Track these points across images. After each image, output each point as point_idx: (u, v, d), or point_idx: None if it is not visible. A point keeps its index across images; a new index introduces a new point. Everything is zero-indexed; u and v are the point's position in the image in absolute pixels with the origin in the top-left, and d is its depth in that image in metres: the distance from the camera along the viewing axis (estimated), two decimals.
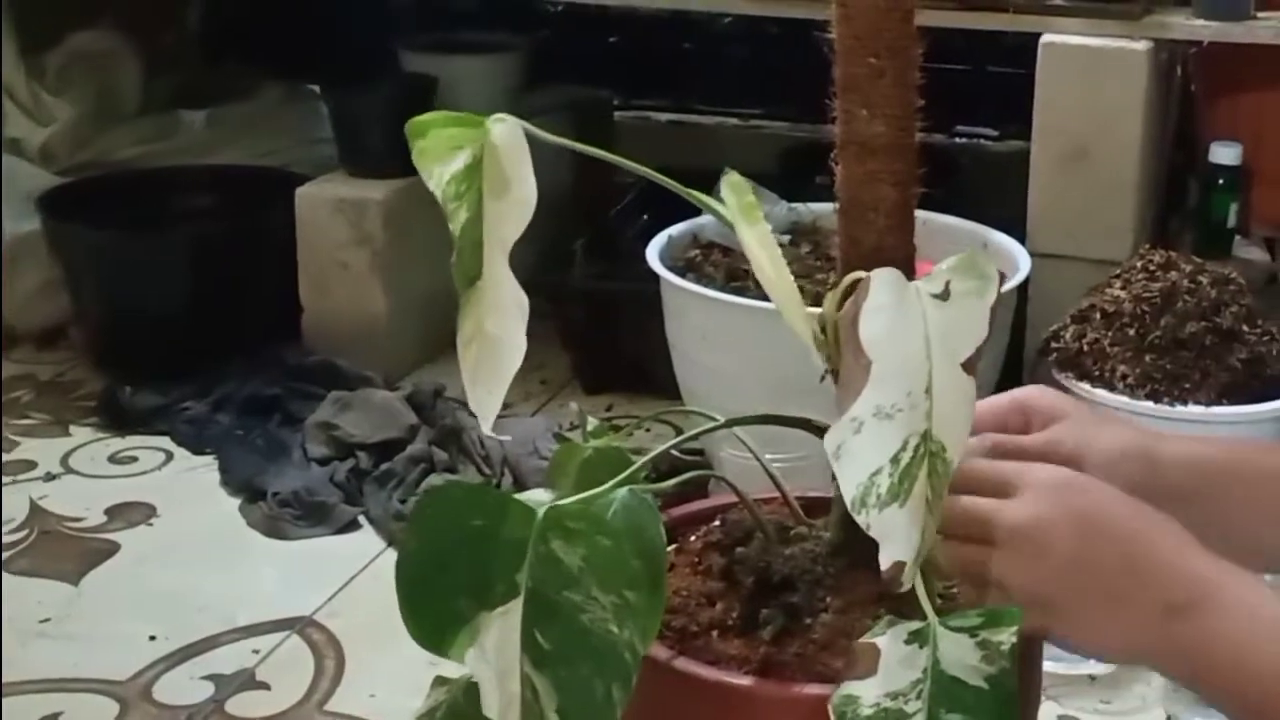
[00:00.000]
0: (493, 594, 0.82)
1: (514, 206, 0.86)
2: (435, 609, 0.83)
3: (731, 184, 0.99)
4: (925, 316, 0.84)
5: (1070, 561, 0.87)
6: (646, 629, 0.82)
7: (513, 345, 0.85)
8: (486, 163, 0.87)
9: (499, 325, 0.85)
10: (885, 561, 0.80)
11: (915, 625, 0.83)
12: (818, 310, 0.95)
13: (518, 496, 0.89)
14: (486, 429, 0.85)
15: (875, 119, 0.95)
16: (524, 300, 0.85)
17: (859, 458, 0.81)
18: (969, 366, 0.83)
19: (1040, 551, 0.88)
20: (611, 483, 0.86)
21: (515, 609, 0.82)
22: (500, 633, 0.82)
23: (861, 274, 0.92)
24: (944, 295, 0.86)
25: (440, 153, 0.88)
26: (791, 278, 0.95)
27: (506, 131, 0.87)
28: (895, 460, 0.81)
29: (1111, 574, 0.88)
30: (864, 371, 0.83)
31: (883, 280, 0.86)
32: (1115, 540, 0.89)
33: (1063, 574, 0.88)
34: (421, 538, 0.84)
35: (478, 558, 0.83)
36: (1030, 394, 1.04)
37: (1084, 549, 0.88)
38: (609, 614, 0.81)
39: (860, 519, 0.80)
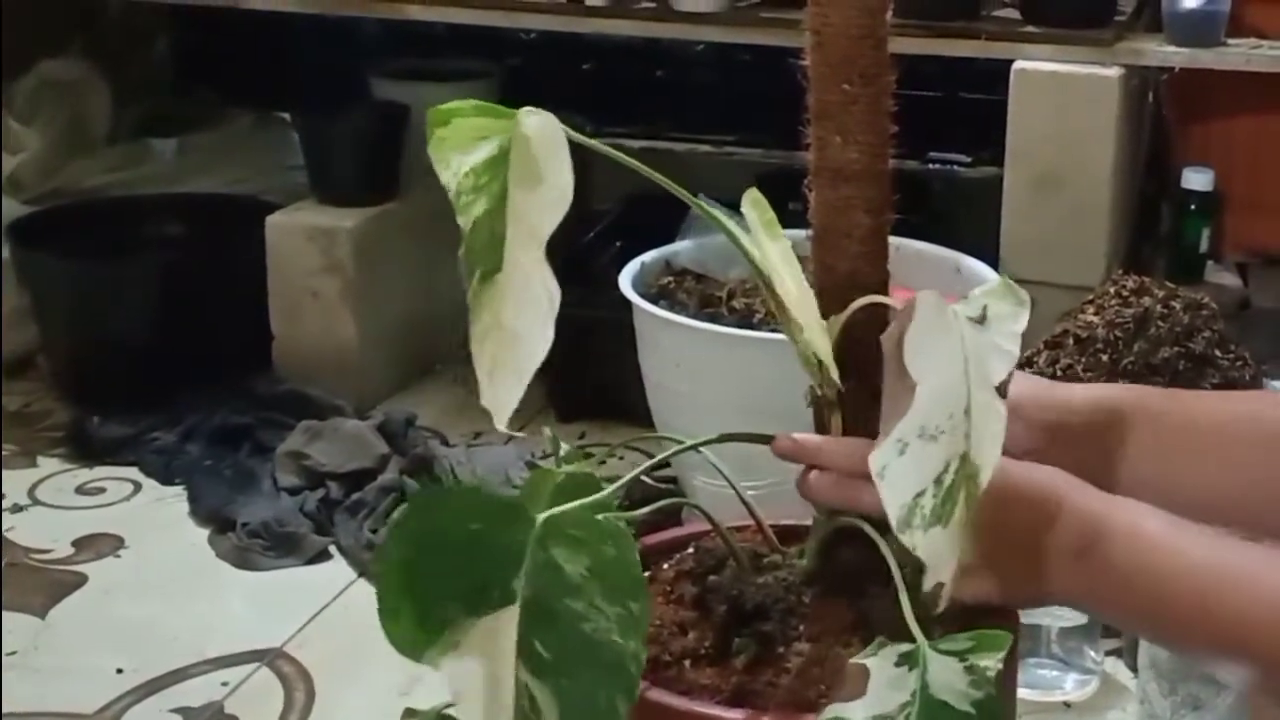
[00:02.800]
0: (485, 600, 0.81)
1: (549, 196, 0.84)
2: (417, 612, 0.81)
3: (753, 200, 1.00)
4: (964, 340, 0.85)
5: (989, 529, 0.88)
6: (644, 633, 0.81)
7: (539, 338, 0.82)
8: (515, 154, 0.85)
9: (523, 318, 0.82)
10: (929, 583, 0.82)
11: (905, 648, 0.83)
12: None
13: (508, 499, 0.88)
14: (501, 425, 0.82)
15: (849, 146, 0.95)
16: (556, 291, 0.82)
17: (904, 479, 0.82)
18: (1001, 389, 0.84)
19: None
20: (578, 503, 0.84)
21: (509, 616, 0.80)
22: (491, 640, 0.80)
23: (877, 298, 0.93)
24: (981, 319, 0.87)
25: (462, 142, 0.86)
26: (812, 294, 0.95)
27: (541, 123, 0.86)
28: (939, 481, 0.82)
29: (1026, 531, 0.91)
30: (908, 393, 0.83)
31: (926, 304, 0.87)
32: (1021, 499, 0.91)
33: (985, 541, 0.89)
34: (408, 539, 0.82)
35: (470, 562, 0.81)
36: None
37: (997, 514, 0.89)
38: (613, 624, 0.80)
39: (905, 539, 0.81)
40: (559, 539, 0.82)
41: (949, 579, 0.81)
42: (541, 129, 0.85)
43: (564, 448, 0.98)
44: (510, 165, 0.85)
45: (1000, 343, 0.86)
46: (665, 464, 2.15)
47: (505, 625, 0.80)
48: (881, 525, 0.92)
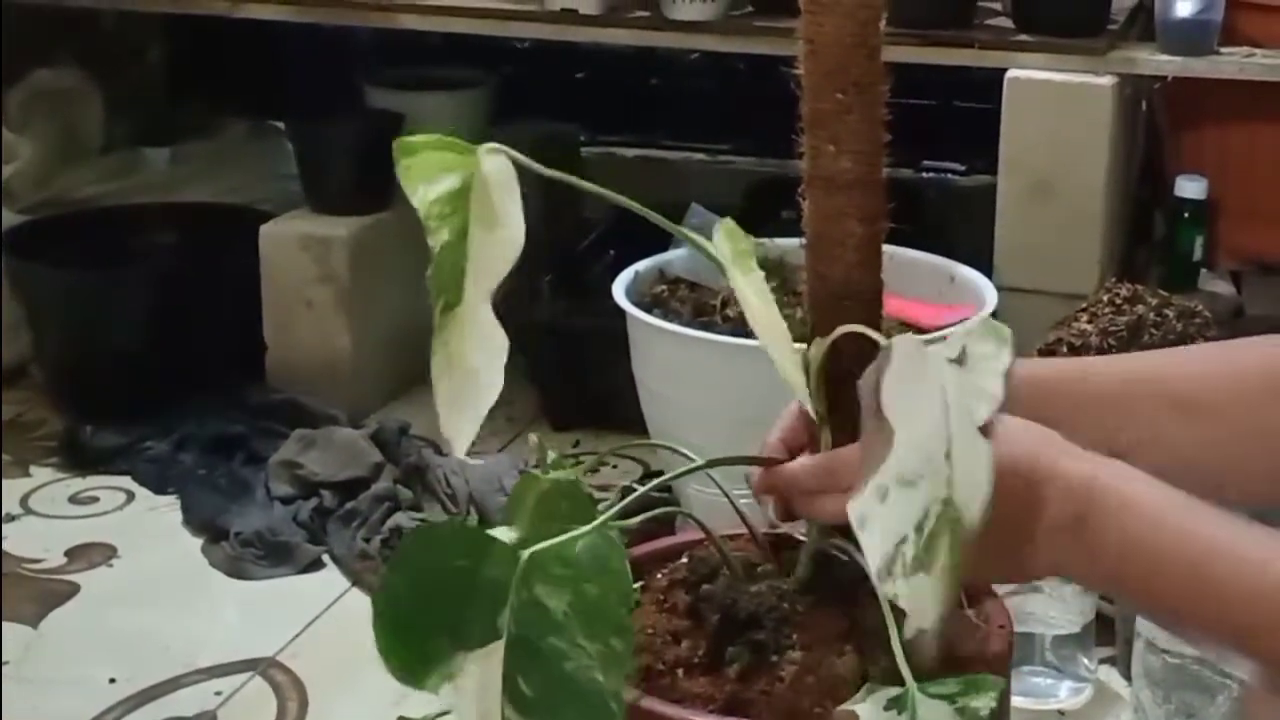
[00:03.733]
0: (471, 635, 0.81)
1: (502, 243, 0.85)
2: (413, 645, 0.82)
3: (727, 231, 0.99)
4: (944, 382, 0.84)
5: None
6: (625, 673, 0.81)
7: (490, 380, 0.84)
8: (475, 193, 0.86)
9: (477, 357, 0.84)
10: (910, 631, 0.81)
11: (894, 692, 0.83)
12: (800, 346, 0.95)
13: (494, 535, 0.88)
14: (460, 454, 0.84)
15: (842, 155, 0.95)
16: (503, 338, 0.84)
17: (884, 526, 0.80)
18: (985, 430, 0.83)
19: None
20: (585, 529, 0.85)
21: (496, 652, 0.81)
22: (481, 675, 0.81)
23: (854, 327, 0.92)
24: (960, 360, 0.86)
25: (427, 172, 0.88)
26: (785, 327, 0.94)
27: (498, 166, 0.87)
28: (919, 528, 0.80)
29: (1011, 509, 0.89)
30: (886, 439, 0.82)
31: (902, 348, 0.86)
32: (1004, 476, 0.88)
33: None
34: (405, 573, 0.83)
35: (457, 598, 0.82)
36: None
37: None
38: (594, 662, 0.81)
39: (887, 589, 0.80)
40: (542, 576, 0.82)
41: (932, 626, 0.80)
42: (498, 172, 0.86)
43: (551, 455, 0.98)
44: (471, 203, 0.86)
45: (982, 383, 0.85)
46: (659, 472, 2.16)
47: (493, 661, 0.81)
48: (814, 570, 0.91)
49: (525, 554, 0.83)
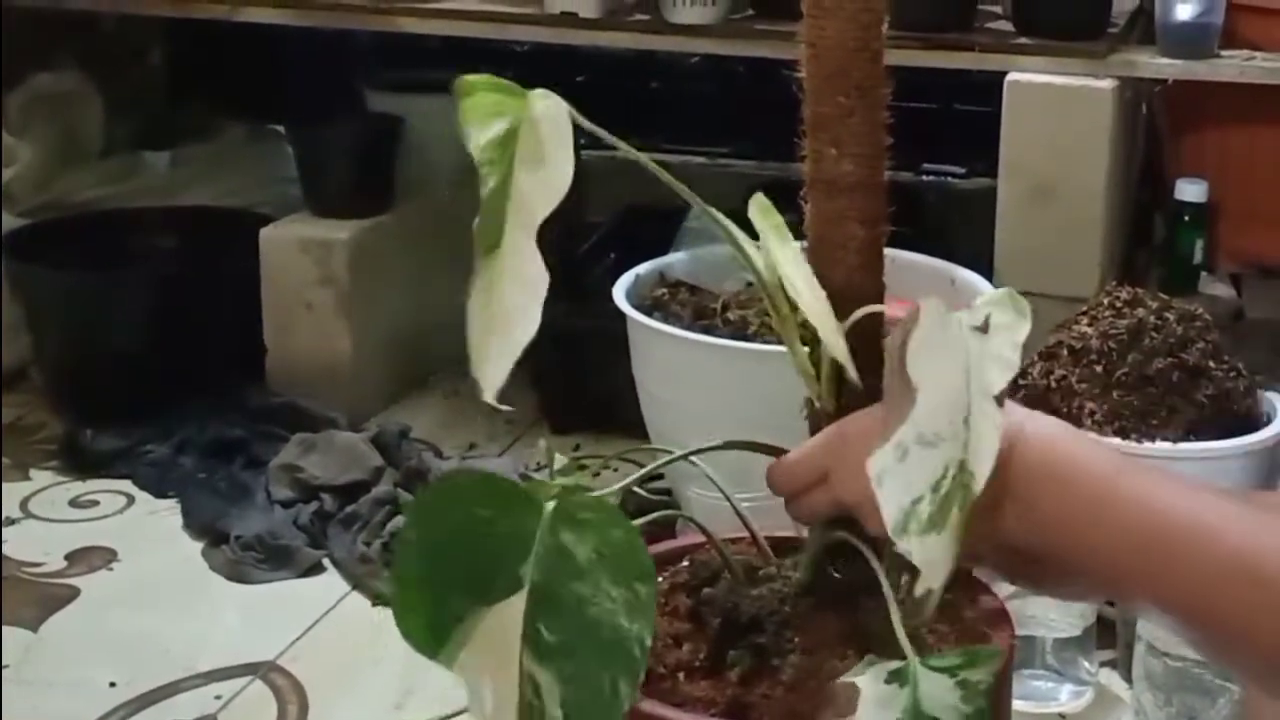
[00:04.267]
0: (493, 588, 0.81)
1: (546, 183, 0.85)
2: (430, 607, 0.81)
3: (760, 206, 0.98)
4: (967, 348, 0.85)
5: (1042, 518, 0.88)
6: (649, 619, 0.81)
7: (527, 317, 0.83)
8: (523, 135, 0.86)
9: (513, 298, 0.83)
10: (921, 589, 0.81)
11: (895, 665, 0.83)
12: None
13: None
14: (489, 397, 0.82)
15: (844, 158, 0.95)
16: (545, 275, 0.83)
17: (902, 483, 0.81)
18: (1000, 399, 0.84)
19: (1019, 511, 0.90)
20: (612, 488, 0.85)
21: (516, 604, 0.80)
22: (499, 627, 0.80)
23: (877, 307, 0.92)
24: (984, 328, 0.87)
25: (481, 116, 0.88)
26: (825, 297, 0.94)
27: (549, 107, 0.87)
28: (936, 488, 0.81)
29: (1083, 521, 0.89)
30: (909, 398, 0.83)
31: (931, 310, 0.86)
32: (1077, 481, 0.88)
33: (1042, 532, 0.89)
34: (425, 527, 0.83)
35: (479, 550, 0.81)
36: None
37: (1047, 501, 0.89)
38: (619, 607, 0.80)
39: (901, 545, 0.81)
40: (568, 523, 0.82)
41: (937, 585, 0.80)
42: (549, 112, 0.87)
43: (559, 460, 0.98)
44: (517, 145, 0.86)
45: (1002, 352, 0.86)
46: (659, 475, 2.16)
47: (512, 614, 0.80)
48: (871, 540, 0.92)
49: (552, 501, 0.82)
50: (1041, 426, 0.92)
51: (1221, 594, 0.86)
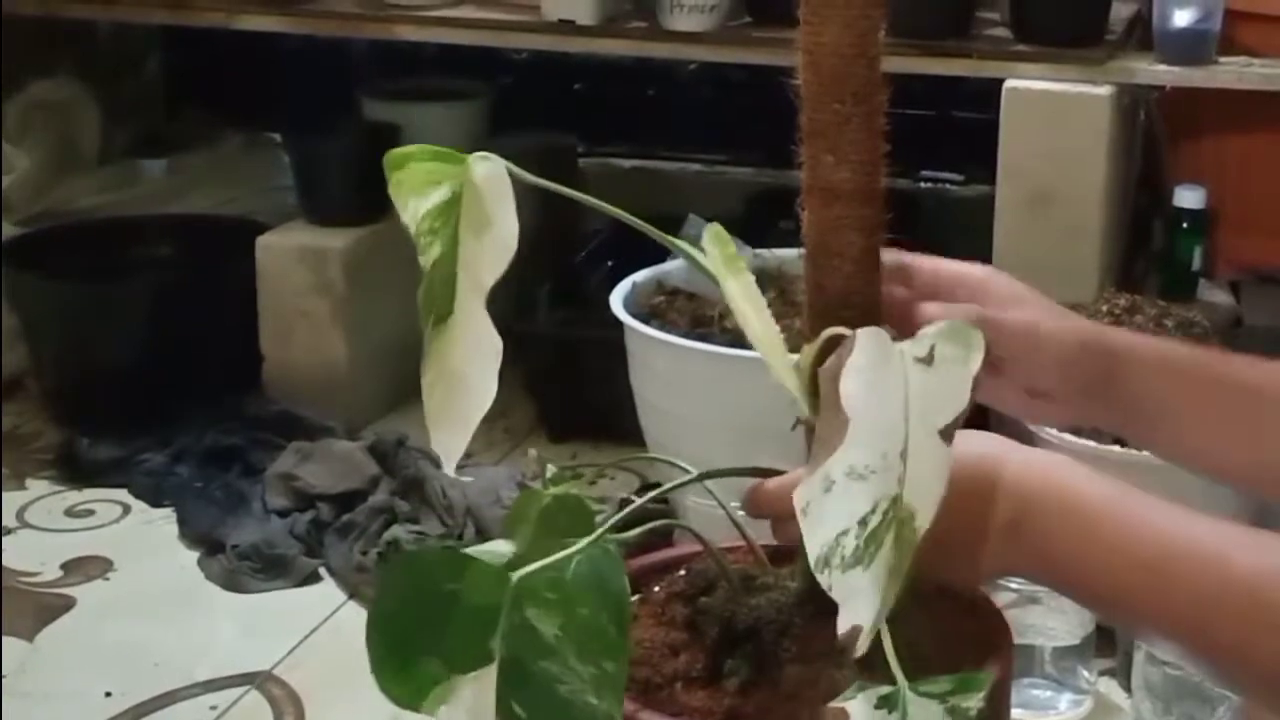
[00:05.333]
0: (465, 659, 0.81)
1: (494, 247, 0.84)
2: (407, 668, 0.82)
3: (714, 235, 0.97)
4: (907, 379, 0.83)
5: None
6: (619, 695, 0.81)
7: (483, 387, 0.83)
8: (466, 200, 0.86)
9: (470, 365, 0.83)
10: (843, 625, 0.78)
11: (885, 690, 0.82)
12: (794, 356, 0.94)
13: (482, 550, 0.88)
14: (449, 470, 0.83)
15: (841, 165, 0.95)
16: (498, 343, 0.83)
17: (827, 517, 0.79)
18: (947, 435, 0.81)
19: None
20: (577, 547, 0.84)
21: (489, 675, 0.81)
22: (475, 699, 0.80)
23: (841, 330, 0.91)
24: (928, 360, 0.84)
25: (417, 185, 0.87)
26: (777, 329, 0.93)
27: (490, 171, 0.86)
28: (863, 522, 0.78)
29: (959, 512, 0.87)
30: (841, 429, 0.81)
31: (867, 339, 0.85)
32: (969, 471, 0.88)
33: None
34: (391, 598, 0.83)
35: (448, 622, 0.82)
36: (989, 276, 1.08)
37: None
38: (587, 685, 0.80)
39: (822, 579, 0.78)
40: (533, 600, 0.82)
41: (867, 623, 0.78)
42: (490, 174, 0.86)
43: (550, 469, 0.97)
44: (461, 211, 0.85)
45: (949, 386, 0.83)
46: (657, 484, 2.16)
47: (485, 684, 0.80)
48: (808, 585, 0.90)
49: (515, 577, 0.82)
50: (1036, 456, 0.93)
51: (1222, 615, 0.86)
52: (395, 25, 2.56)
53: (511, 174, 0.88)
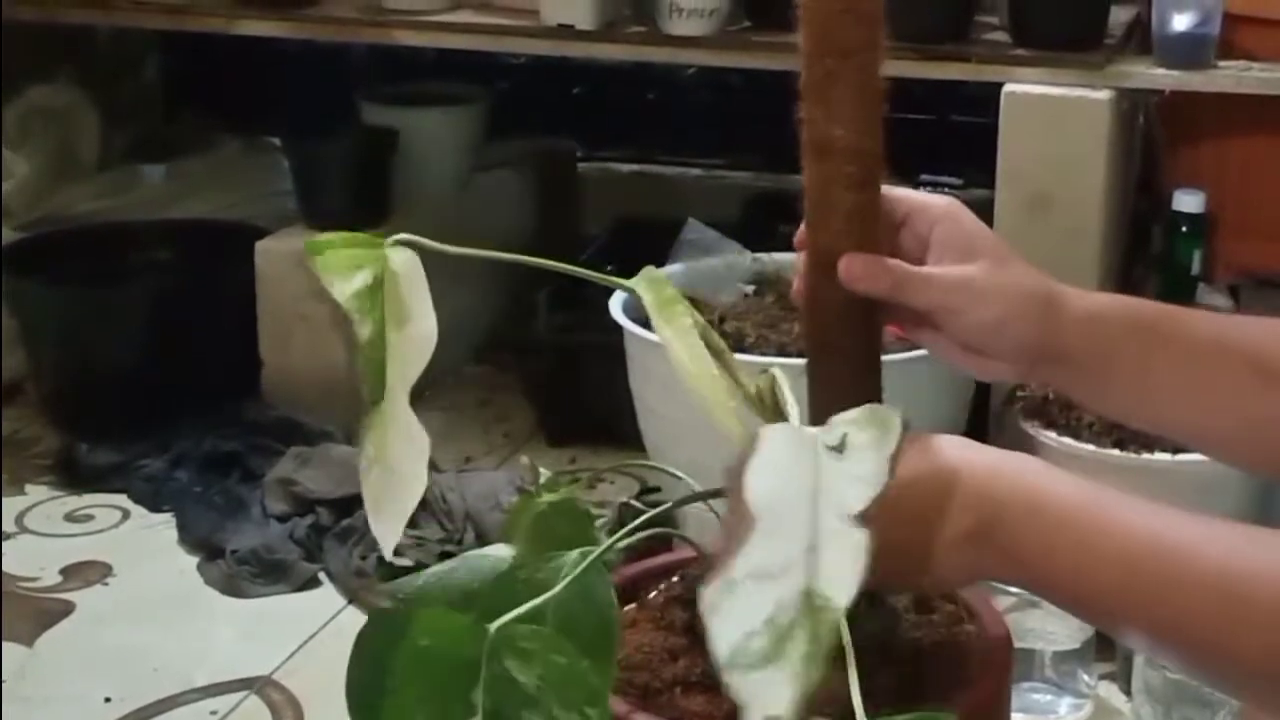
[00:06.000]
0: (449, 714, 0.81)
1: (414, 339, 0.85)
2: None
3: (649, 280, 0.96)
4: (818, 470, 0.81)
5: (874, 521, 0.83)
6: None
7: (413, 480, 0.84)
8: (388, 287, 0.86)
9: (401, 459, 0.84)
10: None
11: None
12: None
13: (483, 555, 0.87)
14: (388, 555, 0.85)
15: (831, 121, 0.96)
16: (424, 437, 0.84)
17: (732, 620, 0.76)
18: (864, 518, 0.79)
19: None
20: (549, 594, 0.83)
21: None
22: None
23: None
24: (840, 448, 0.83)
25: (340, 269, 0.88)
26: (716, 373, 0.92)
27: (405, 260, 0.87)
28: (770, 622, 0.76)
29: (913, 520, 0.89)
30: (746, 529, 0.78)
31: (777, 435, 0.84)
32: (906, 486, 0.87)
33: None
34: (368, 660, 0.84)
35: (428, 678, 0.82)
36: (946, 214, 1.04)
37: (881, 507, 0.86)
38: None
39: (728, 679, 0.75)
40: (510, 650, 0.82)
41: (785, 714, 0.74)
42: (406, 265, 0.87)
43: (544, 475, 0.98)
44: (385, 300, 0.86)
45: (862, 471, 0.81)
46: (656, 488, 2.16)
47: None
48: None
49: (492, 628, 0.82)
50: (1006, 459, 0.92)
51: (1195, 610, 0.85)
52: (394, 30, 2.56)
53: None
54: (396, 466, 0.84)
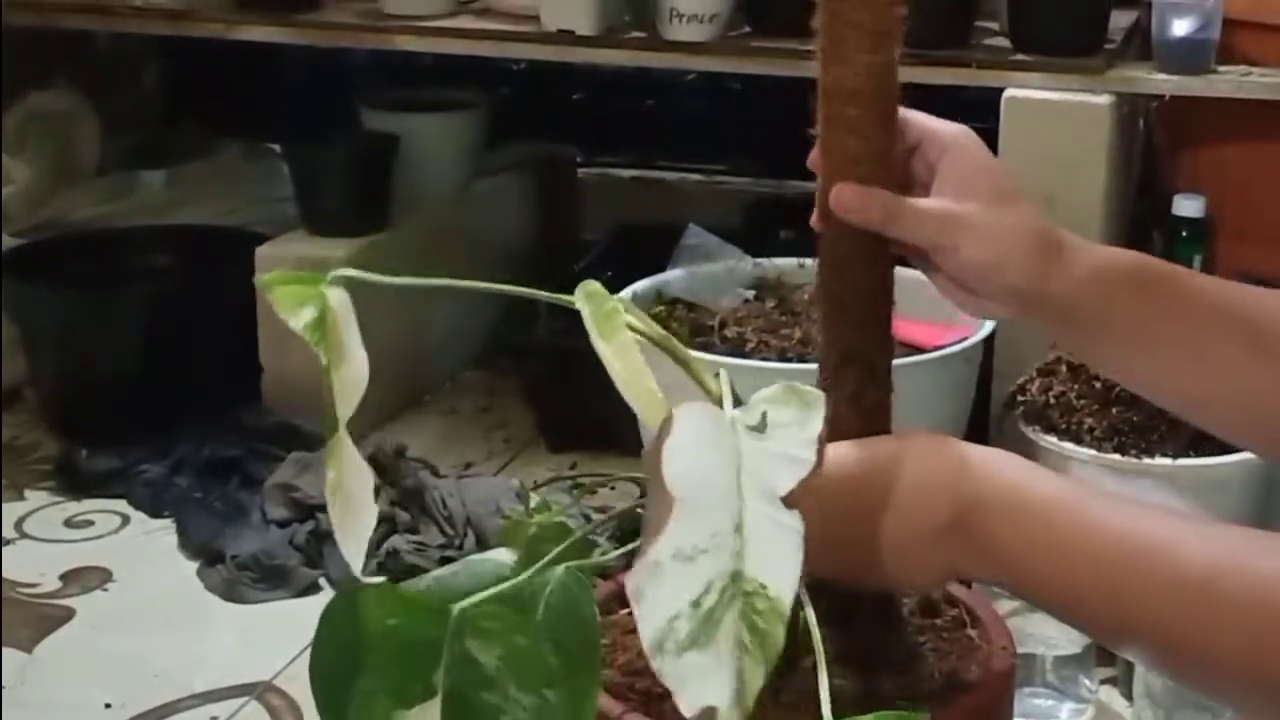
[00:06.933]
0: (409, 693, 0.81)
1: (348, 379, 0.86)
2: (354, 708, 0.82)
3: (588, 293, 0.95)
4: (739, 451, 0.80)
5: (823, 541, 0.80)
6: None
7: (366, 508, 0.86)
8: (328, 324, 0.87)
9: (354, 486, 0.86)
10: (685, 709, 0.74)
11: None
12: None
13: (484, 560, 0.87)
14: (356, 572, 0.85)
15: (831, 62, 0.97)
16: (367, 472, 0.86)
17: (656, 603, 0.76)
18: (792, 499, 0.78)
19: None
20: (514, 579, 0.84)
21: (433, 709, 0.81)
22: None
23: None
24: (760, 427, 0.82)
25: (292, 305, 0.88)
26: (654, 389, 0.90)
27: (338, 299, 0.87)
28: (696, 604, 0.75)
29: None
30: (668, 511, 0.78)
31: (691, 414, 0.83)
32: (862, 481, 0.88)
33: (829, 549, 0.84)
34: (333, 639, 0.84)
35: (391, 657, 0.82)
36: (954, 143, 1.03)
37: (838, 501, 0.88)
38: (528, 715, 0.80)
39: (655, 664, 0.75)
40: (473, 630, 0.82)
41: (722, 702, 0.74)
42: (338, 305, 0.87)
43: (534, 499, 0.98)
44: (325, 336, 0.87)
45: (789, 450, 0.80)
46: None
47: (430, 718, 0.81)
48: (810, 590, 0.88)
49: (456, 609, 0.82)
50: (989, 456, 0.90)
51: (1175, 611, 0.84)
52: (394, 36, 2.56)
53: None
54: (352, 493, 0.86)
